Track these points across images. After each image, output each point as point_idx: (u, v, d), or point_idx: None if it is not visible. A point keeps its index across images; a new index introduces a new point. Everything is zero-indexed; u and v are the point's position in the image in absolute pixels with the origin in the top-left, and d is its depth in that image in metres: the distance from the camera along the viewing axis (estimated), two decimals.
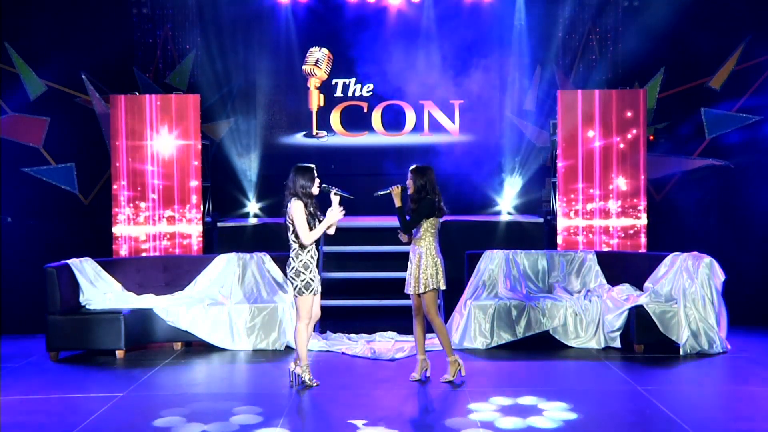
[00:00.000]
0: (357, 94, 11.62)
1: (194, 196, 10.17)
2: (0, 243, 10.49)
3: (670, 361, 8.07)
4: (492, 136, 11.59)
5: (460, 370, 7.24)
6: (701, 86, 10.95)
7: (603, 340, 8.57)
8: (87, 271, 8.84)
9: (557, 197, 10.21)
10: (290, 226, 6.99)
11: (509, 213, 11.45)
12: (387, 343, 8.61)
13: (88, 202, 10.95)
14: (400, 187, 7.22)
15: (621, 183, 10.06)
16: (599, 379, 7.51)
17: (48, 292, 8.40)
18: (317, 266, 7.11)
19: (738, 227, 10.68)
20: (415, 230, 7.16)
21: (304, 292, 7.00)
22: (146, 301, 8.88)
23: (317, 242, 7.13)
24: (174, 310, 8.72)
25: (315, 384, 7.10)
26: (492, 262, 9.19)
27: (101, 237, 10.34)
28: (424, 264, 7.11)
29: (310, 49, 11.50)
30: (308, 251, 7.03)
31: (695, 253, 8.65)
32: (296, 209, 6.93)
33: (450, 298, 8.95)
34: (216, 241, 10.49)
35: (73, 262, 8.77)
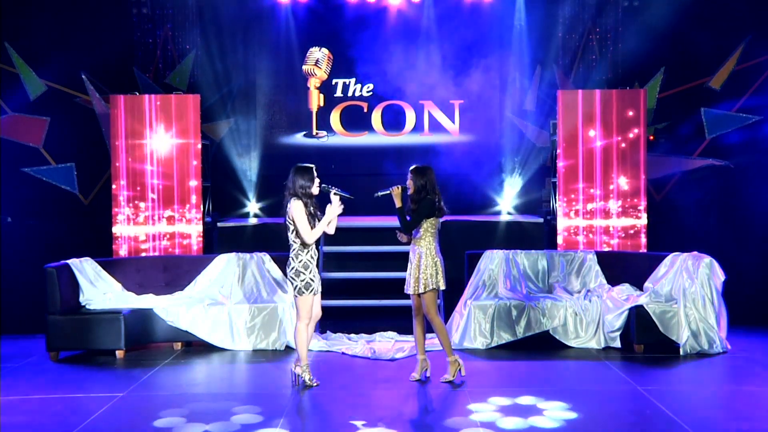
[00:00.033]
0: (357, 94, 11.62)
1: (194, 196, 10.17)
2: (0, 243, 10.49)
3: (670, 361, 8.07)
4: (492, 136, 11.59)
5: (460, 370, 7.23)
6: (701, 86, 10.95)
7: (603, 340, 8.57)
8: (87, 271, 8.84)
9: (557, 197, 10.21)
10: (290, 226, 6.99)
11: (509, 213, 11.45)
12: (387, 343, 8.61)
13: (88, 202, 10.95)
14: (400, 187, 7.22)
15: (621, 183, 10.06)
16: (599, 379, 7.51)
17: (48, 292, 8.40)
18: (317, 266, 7.12)
19: (738, 227, 10.68)
20: (415, 230, 7.15)
21: (304, 292, 7.00)
22: (146, 301, 8.87)
23: (317, 242, 7.14)
24: (174, 310, 8.72)
25: (315, 384, 7.10)
26: (492, 262, 9.19)
27: (101, 237, 10.34)
28: (423, 264, 7.11)
29: (310, 49, 11.50)
30: (308, 251, 7.03)
31: (695, 253, 8.65)
32: (296, 209, 6.94)
33: (450, 298, 8.95)
34: (216, 241, 10.49)
35: (73, 262, 8.77)
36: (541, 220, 10.60)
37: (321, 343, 8.60)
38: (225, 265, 9.27)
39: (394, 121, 11.68)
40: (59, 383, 7.54)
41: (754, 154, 10.74)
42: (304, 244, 6.98)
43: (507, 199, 11.54)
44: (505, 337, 8.61)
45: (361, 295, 9.59)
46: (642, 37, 10.82)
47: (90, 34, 10.75)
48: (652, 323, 8.29)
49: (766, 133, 10.73)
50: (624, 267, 9.16)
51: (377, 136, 11.67)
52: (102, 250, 10.01)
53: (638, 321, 8.32)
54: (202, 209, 10.24)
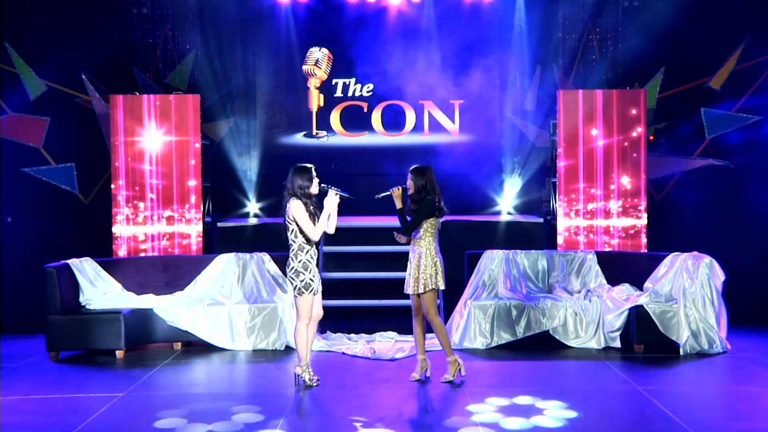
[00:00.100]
0: (357, 94, 11.62)
1: (194, 196, 10.16)
2: (0, 243, 10.49)
3: (670, 361, 8.07)
4: (492, 136, 11.59)
5: (460, 370, 7.23)
6: (701, 86, 10.96)
7: (603, 340, 8.57)
8: (87, 271, 8.83)
9: (558, 197, 10.21)
10: (289, 225, 6.99)
11: (509, 213, 11.45)
12: (387, 343, 8.60)
13: (88, 202, 10.96)
14: (400, 188, 7.22)
15: (622, 183, 10.06)
16: (599, 379, 7.51)
17: (48, 292, 8.40)
18: (317, 266, 7.11)
19: (738, 227, 10.68)
20: (415, 230, 7.15)
21: (303, 292, 6.99)
22: (146, 301, 8.87)
23: (317, 242, 7.13)
24: (174, 310, 8.72)
25: (315, 384, 7.09)
26: (492, 262, 9.18)
27: (101, 237, 10.34)
28: (423, 264, 7.11)
29: (310, 49, 11.50)
30: (307, 251, 7.02)
31: (695, 253, 8.65)
32: (296, 208, 6.93)
33: (450, 298, 8.95)
34: (216, 241, 10.49)
35: (73, 262, 8.76)
36: (541, 220, 10.60)
37: (321, 343, 8.60)
38: (225, 265, 9.27)
39: (394, 121, 11.68)
40: (59, 383, 7.54)
41: (754, 154, 10.74)
42: (305, 244, 6.97)
43: (507, 199, 11.54)
44: (505, 337, 8.61)
45: (361, 295, 9.59)
46: (642, 37, 10.83)
47: (90, 34, 10.75)
48: (652, 323, 8.29)
49: (766, 133, 10.73)
50: (624, 267, 9.16)
51: (377, 136, 11.67)
52: (102, 250, 10.01)
53: (638, 321, 8.32)
54: (202, 209, 10.24)
